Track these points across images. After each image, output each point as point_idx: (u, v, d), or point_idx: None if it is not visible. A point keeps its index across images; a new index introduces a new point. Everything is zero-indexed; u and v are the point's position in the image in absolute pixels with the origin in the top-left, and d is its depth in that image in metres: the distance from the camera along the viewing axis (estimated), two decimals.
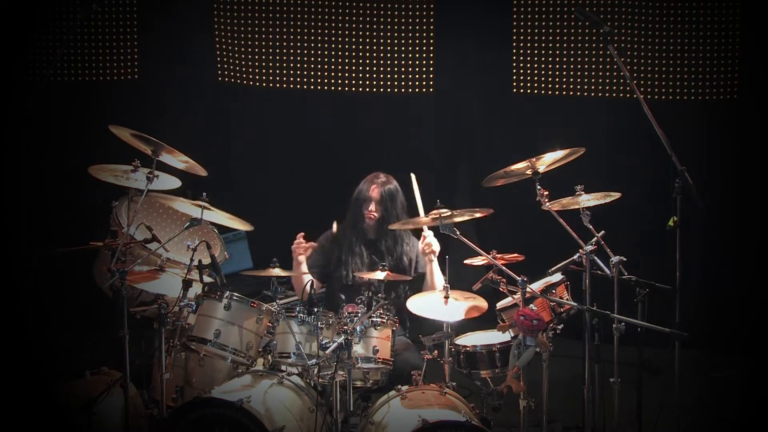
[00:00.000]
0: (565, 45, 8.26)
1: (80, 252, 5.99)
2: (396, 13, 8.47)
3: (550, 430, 5.94)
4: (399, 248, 6.17)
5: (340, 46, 8.53)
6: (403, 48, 8.50)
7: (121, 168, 5.59)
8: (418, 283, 6.15)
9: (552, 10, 8.25)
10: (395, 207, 6.14)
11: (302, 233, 6.00)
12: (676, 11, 7.98)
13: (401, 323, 5.97)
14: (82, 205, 7.91)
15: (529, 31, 8.32)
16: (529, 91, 8.39)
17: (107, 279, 5.24)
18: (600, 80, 8.21)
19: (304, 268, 5.99)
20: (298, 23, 8.53)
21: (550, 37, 8.28)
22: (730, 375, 7.44)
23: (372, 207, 6.12)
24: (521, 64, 8.38)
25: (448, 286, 5.62)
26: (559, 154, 5.48)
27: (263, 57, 8.59)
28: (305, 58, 8.57)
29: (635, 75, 7.99)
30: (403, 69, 8.52)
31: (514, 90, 8.42)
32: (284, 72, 8.60)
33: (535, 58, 8.34)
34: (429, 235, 6.04)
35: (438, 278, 6.03)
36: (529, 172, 5.52)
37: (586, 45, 8.21)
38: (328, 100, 8.61)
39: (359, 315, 5.33)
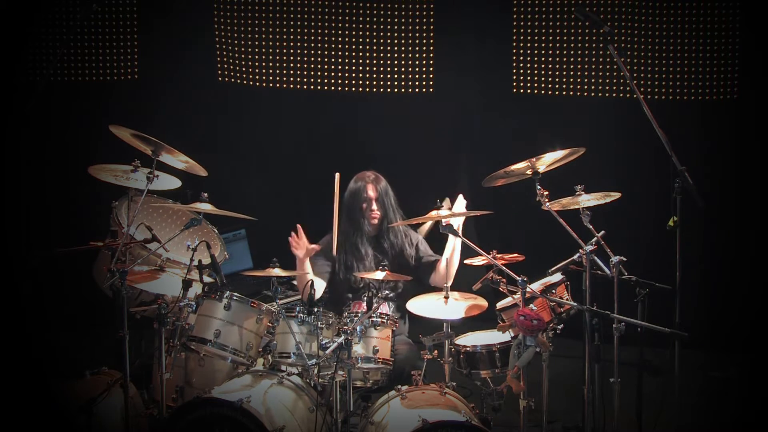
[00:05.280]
0: (565, 45, 8.25)
1: (80, 252, 5.99)
2: (396, 13, 8.46)
3: (550, 430, 5.94)
4: (400, 242, 6.18)
5: (340, 46, 8.53)
6: (403, 48, 8.50)
7: (121, 168, 5.59)
8: (426, 273, 6.14)
9: (552, 10, 8.25)
10: (391, 202, 6.19)
11: (298, 226, 5.94)
12: (676, 11, 7.98)
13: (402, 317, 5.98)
14: (82, 205, 7.92)
15: (529, 30, 8.32)
16: (529, 91, 8.39)
17: (107, 279, 5.24)
18: (600, 80, 8.21)
19: (307, 266, 5.97)
20: (298, 23, 8.53)
21: (550, 37, 8.28)
22: (728, 375, 7.44)
23: (374, 206, 6.14)
24: (521, 64, 8.38)
25: (448, 286, 5.62)
26: (559, 154, 5.48)
27: (263, 57, 8.58)
28: (305, 58, 8.57)
29: (635, 75, 7.98)
30: (403, 69, 8.51)
31: (514, 90, 8.41)
32: (284, 72, 8.60)
33: (535, 58, 8.33)
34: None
35: (456, 257, 5.95)
36: (529, 172, 5.52)
37: (586, 45, 8.20)
38: (328, 100, 8.61)
39: (359, 315, 5.34)
